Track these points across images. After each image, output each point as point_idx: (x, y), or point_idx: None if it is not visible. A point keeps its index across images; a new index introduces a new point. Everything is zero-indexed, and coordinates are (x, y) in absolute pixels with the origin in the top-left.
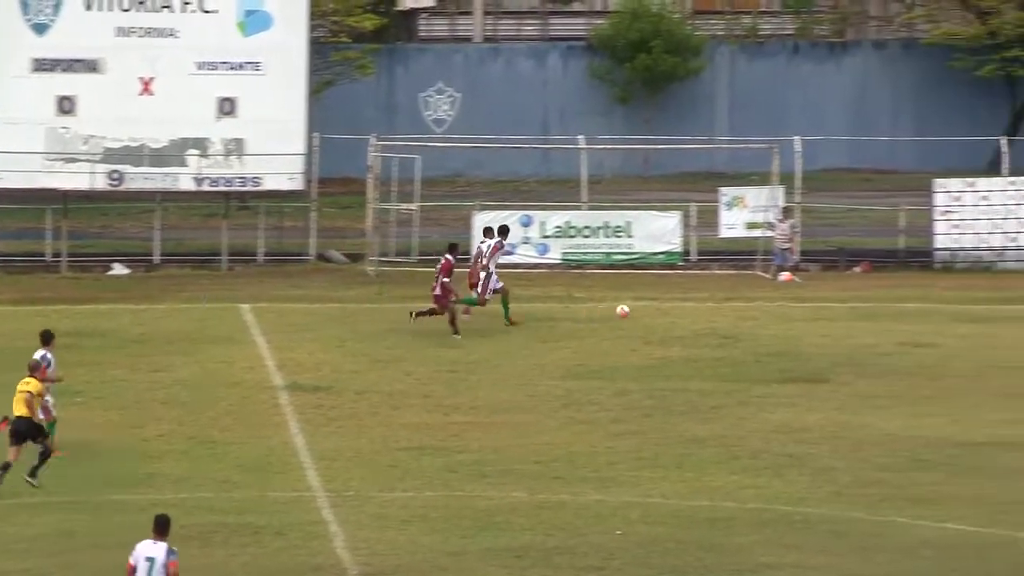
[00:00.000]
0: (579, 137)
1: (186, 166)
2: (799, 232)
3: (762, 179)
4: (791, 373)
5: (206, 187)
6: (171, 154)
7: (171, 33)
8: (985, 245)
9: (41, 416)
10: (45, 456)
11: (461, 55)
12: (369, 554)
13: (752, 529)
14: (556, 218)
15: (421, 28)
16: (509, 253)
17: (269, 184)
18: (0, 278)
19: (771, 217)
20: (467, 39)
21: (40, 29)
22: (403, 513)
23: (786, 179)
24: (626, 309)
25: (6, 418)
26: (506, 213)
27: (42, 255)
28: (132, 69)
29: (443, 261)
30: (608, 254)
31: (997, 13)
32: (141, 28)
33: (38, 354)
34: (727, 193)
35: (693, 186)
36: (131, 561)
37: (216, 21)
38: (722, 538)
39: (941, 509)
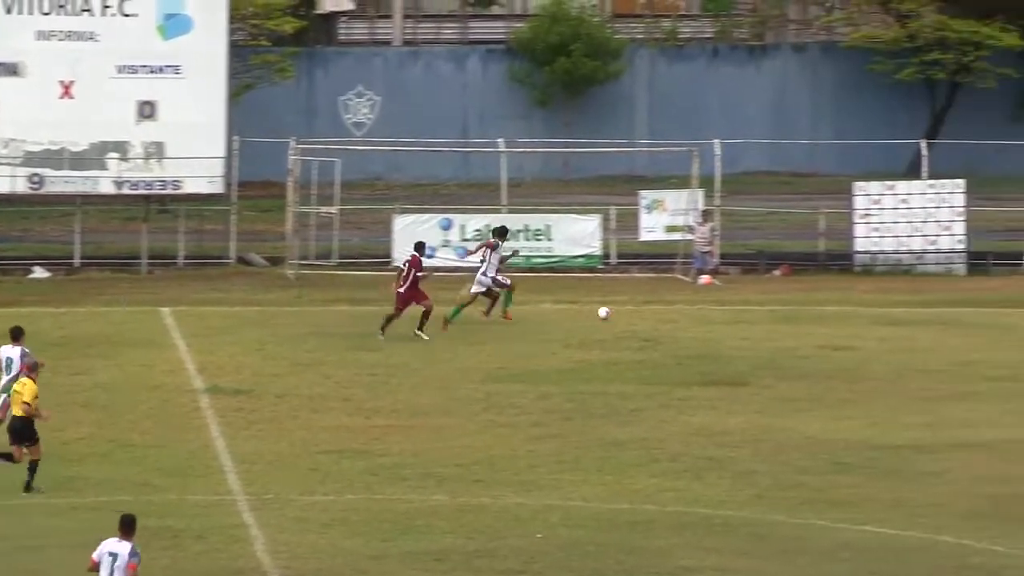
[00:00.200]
0: (499, 140)
1: (106, 169)
2: (719, 235)
3: (682, 182)
4: (711, 376)
5: (126, 190)
6: (91, 157)
7: (91, 37)
8: (905, 248)
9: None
10: (34, 467)
11: (381, 58)
12: (289, 557)
13: (672, 532)
14: (476, 221)
15: (341, 31)
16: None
17: (189, 187)
18: None
19: (691, 220)
20: (387, 42)
21: None
22: (324, 516)
23: (706, 182)
24: (607, 311)
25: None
26: (425, 216)
27: None
28: (52, 72)
29: (410, 257)
30: (528, 257)
31: (916, 16)
32: (61, 31)
33: (14, 352)
34: (647, 196)
35: (613, 189)
36: (94, 557)
37: (136, 25)
38: (642, 541)
39: (861, 512)
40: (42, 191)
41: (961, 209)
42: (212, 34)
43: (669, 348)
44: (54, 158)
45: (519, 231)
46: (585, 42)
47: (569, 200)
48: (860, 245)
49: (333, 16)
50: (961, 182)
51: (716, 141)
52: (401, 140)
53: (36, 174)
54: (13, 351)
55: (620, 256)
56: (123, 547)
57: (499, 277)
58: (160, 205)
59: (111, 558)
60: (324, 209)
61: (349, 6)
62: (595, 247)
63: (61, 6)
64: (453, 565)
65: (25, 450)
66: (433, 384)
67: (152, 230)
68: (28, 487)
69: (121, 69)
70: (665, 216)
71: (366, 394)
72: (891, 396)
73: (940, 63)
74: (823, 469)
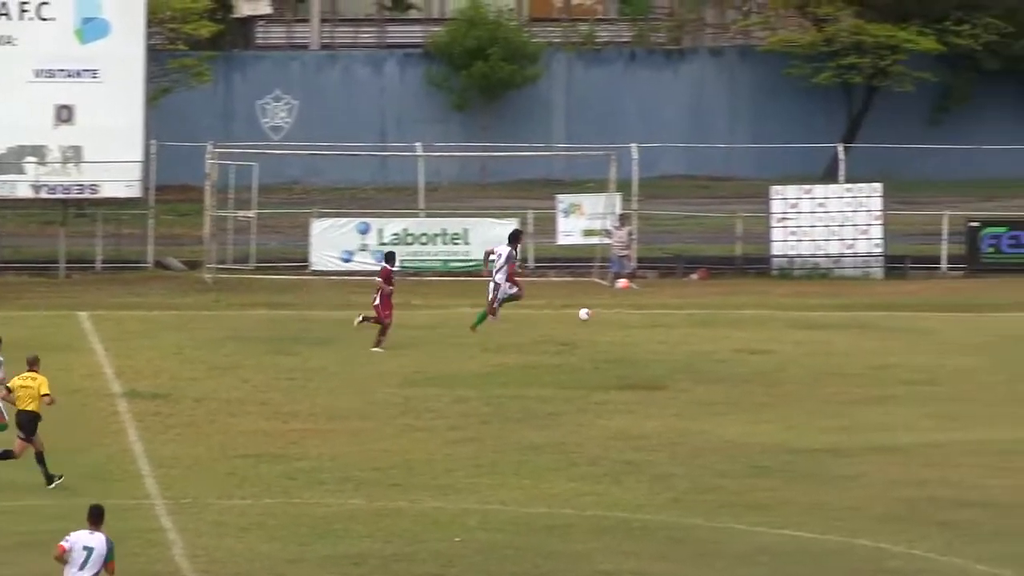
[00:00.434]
0: (416, 144)
1: (24, 173)
2: (636, 239)
3: (599, 186)
4: (629, 380)
5: (44, 194)
6: (9, 161)
7: (8, 40)
8: (822, 252)
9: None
10: (40, 458)
11: (298, 62)
12: (208, 562)
13: (590, 536)
14: (393, 225)
15: (258, 35)
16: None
17: (107, 191)
18: None
19: (608, 224)
20: (304, 46)
21: None
22: (241, 520)
23: (623, 186)
24: (588, 313)
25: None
26: (343, 221)
27: None
28: None
29: (380, 269)
30: (445, 261)
31: (833, 20)
32: None
33: None
34: (564, 200)
35: (530, 193)
36: (64, 544)
37: (54, 28)
38: (560, 545)
39: (778, 516)
40: None
41: (878, 213)
42: (130, 38)
43: (586, 352)
44: None
45: (436, 235)
46: (502, 46)
47: (487, 204)
48: (777, 249)
49: (250, 20)
50: (878, 186)
51: (633, 145)
52: (319, 144)
53: None
54: None
55: (538, 260)
56: (98, 540)
57: (504, 284)
58: (78, 209)
59: (85, 552)
60: (242, 213)
61: (266, 10)
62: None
63: None
64: (371, 569)
65: (24, 443)
66: (351, 388)
67: (70, 234)
68: (49, 479)
69: (38, 73)
70: (583, 220)
71: (284, 398)
72: (808, 400)
73: (857, 67)
74: (741, 473)
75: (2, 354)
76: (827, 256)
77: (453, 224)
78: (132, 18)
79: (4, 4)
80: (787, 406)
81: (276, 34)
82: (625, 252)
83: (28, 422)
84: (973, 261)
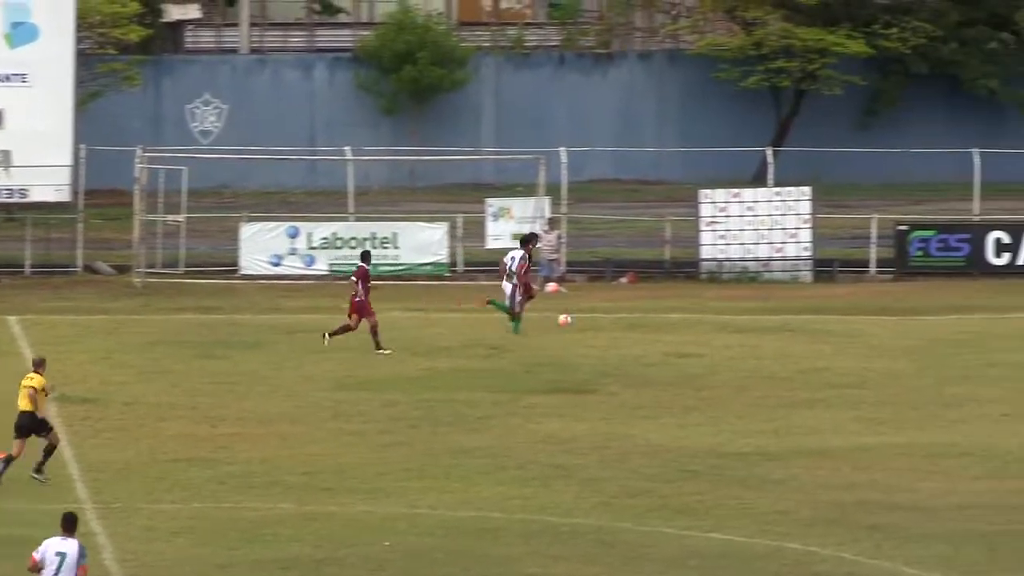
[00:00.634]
0: (346, 148)
1: None
2: (565, 243)
3: (528, 190)
4: (559, 384)
5: None
6: None
7: None
8: (751, 256)
9: None
10: (50, 451)
11: (228, 66)
12: (137, 566)
13: (520, 540)
14: (323, 229)
15: (188, 39)
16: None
17: (36, 196)
18: None
19: (537, 228)
20: (233, 50)
21: None
22: (171, 525)
23: (552, 190)
24: (568, 319)
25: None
26: (272, 225)
27: None
28: None
29: (357, 268)
30: (375, 265)
31: (762, 24)
32: None
33: None
34: (493, 204)
35: (460, 197)
36: (35, 556)
37: None
38: (490, 549)
39: (707, 519)
40: None
41: (807, 216)
42: (59, 43)
43: (516, 356)
44: None
45: (366, 239)
46: (431, 50)
47: (416, 208)
48: (706, 253)
49: (180, 24)
50: (807, 189)
51: (562, 149)
52: (248, 148)
53: None
54: None
55: (467, 264)
56: (70, 546)
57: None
58: (7, 213)
59: (58, 558)
60: (171, 217)
61: (196, 14)
62: (442, 255)
63: None
64: (301, 573)
65: (42, 439)
66: (280, 392)
67: None
68: (39, 469)
69: None
70: (512, 224)
71: (213, 402)
72: (737, 403)
73: (786, 71)
74: (670, 476)
75: None
76: (756, 260)
77: (382, 228)
78: (61, 23)
79: None
80: (716, 410)
81: (205, 38)
82: (554, 256)
83: (29, 423)
84: (902, 264)
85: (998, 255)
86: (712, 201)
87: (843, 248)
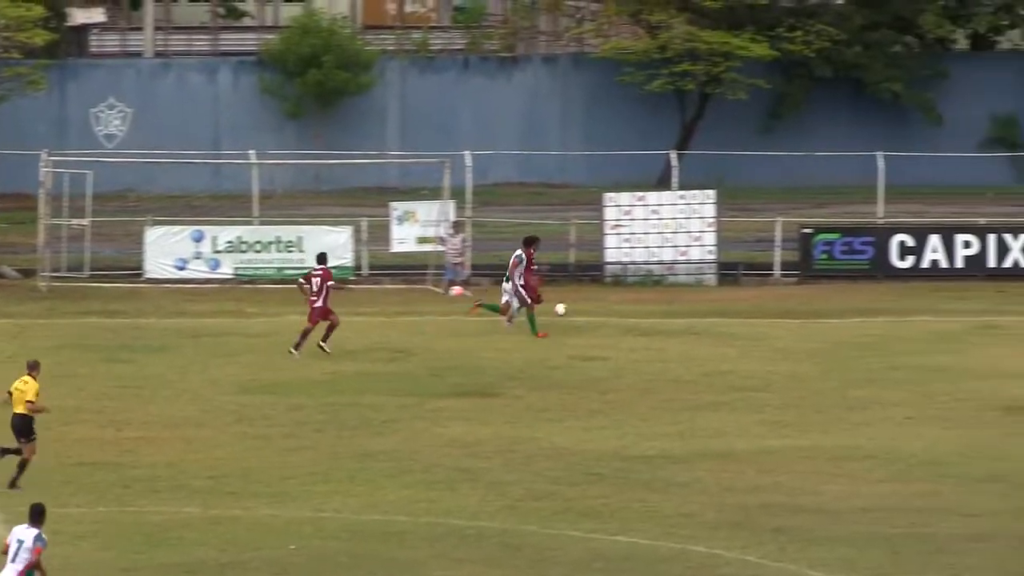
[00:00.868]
0: (250, 152)
1: None
2: (470, 246)
3: (433, 194)
4: (464, 387)
5: None
6: None
7: None
8: (655, 259)
9: None
10: (22, 466)
11: (132, 70)
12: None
13: (425, 543)
14: (227, 233)
15: (93, 43)
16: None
17: None
18: None
19: (442, 231)
20: (138, 54)
21: None
22: (77, 529)
23: (457, 193)
24: (561, 308)
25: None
26: (177, 229)
27: None
28: None
29: (321, 272)
30: (280, 269)
31: (666, 28)
32: None
33: None
34: (398, 208)
35: (364, 201)
36: (7, 540)
37: None
38: (395, 552)
39: (613, 522)
40: None
41: (711, 219)
42: None
43: (422, 359)
44: None
45: (271, 243)
46: (336, 54)
47: (321, 212)
48: (611, 256)
49: (85, 28)
50: (711, 192)
51: (467, 152)
52: (153, 152)
53: None
54: None
55: (372, 268)
56: (29, 533)
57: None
58: None
59: (17, 544)
60: (76, 221)
61: (100, 18)
62: (347, 259)
63: None
64: None
65: (21, 444)
66: (185, 396)
67: None
68: (13, 484)
69: None
70: (417, 227)
71: (119, 406)
72: (642, 406)
73: (690, 74)
74: (575, 479)
75: None
76: (661, 263)
77: (287, 232)
78: None
79: None
80: (621, 413)
81: (110, 42)
82: (459, 259)
83: (19, 425)
84: (806, 268)
85: (902, 258)
86: (617, 204)
87: (747, 251)
